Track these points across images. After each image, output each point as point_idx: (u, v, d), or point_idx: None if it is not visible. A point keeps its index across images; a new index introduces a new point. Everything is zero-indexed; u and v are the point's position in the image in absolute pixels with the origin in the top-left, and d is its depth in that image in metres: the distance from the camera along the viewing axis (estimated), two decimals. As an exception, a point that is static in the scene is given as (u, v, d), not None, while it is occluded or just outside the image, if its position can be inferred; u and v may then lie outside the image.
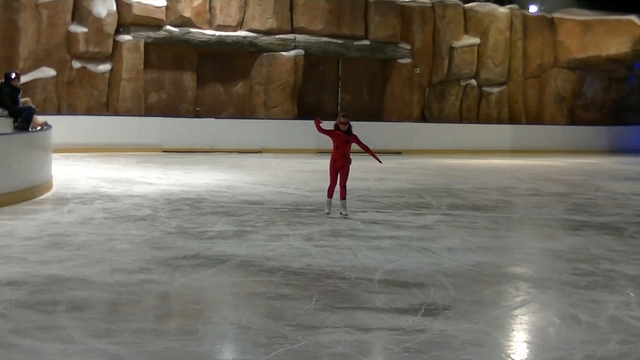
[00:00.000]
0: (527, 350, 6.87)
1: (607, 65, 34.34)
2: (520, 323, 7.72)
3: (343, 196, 13.69)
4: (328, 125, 13.98)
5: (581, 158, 30.86)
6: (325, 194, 13.93)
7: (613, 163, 28.80)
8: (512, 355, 6.67)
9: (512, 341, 7.16)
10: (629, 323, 7.59)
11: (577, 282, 9.34)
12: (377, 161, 13.93)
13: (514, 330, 7.55)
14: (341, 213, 13.67)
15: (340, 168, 13.59)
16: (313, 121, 13.98)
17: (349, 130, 13.55)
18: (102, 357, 6.25)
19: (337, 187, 13.72)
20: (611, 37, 33.06)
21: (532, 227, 14.13)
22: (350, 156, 13.76)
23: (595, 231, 13.17)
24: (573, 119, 35.45)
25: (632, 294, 8.83)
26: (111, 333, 6.85)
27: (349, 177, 13.89)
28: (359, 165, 23.74)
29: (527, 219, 14.93)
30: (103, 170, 20.58)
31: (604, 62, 33.95)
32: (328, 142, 30.21)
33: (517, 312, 8.05)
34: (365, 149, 13.57)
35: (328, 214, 13.74)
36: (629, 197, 18.17)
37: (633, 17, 32.88)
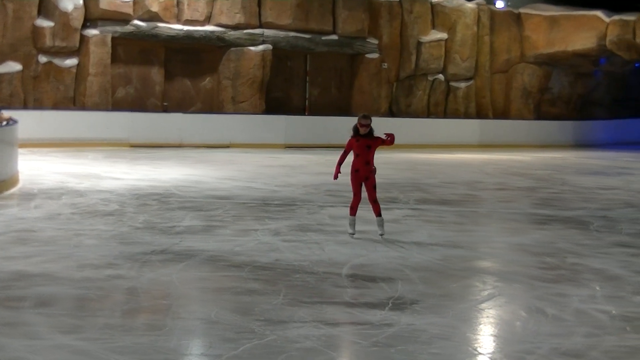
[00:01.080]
0: (494, 344, 6.90)
1: (573, 61, 34.55)
2: (487, 317, 7.76)
3: (377, 212, 11.56)
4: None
5: (547, 152, 31.05)
6: (347, 211, 11.76)
7: (579, 157, 29.00)
8: (479, 349, 6.71)
9: (479, 335, 7.20)
10: (595, 316, 7.65)
11: (543, 276, 9.40)
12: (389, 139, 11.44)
13: (481, 324, 7.59)
14: (379, 234, 11.53)
15: (364, 179, 11.41)
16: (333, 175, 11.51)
17: (370, 134, 11.40)
18: (69, 353, 6.22)
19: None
20: (577, 33, 33.26)
21: (499, 221, 14.20)
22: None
23: (561, 225, 13.26)
24: (539, 114, 35.64)
25: (597, 287, 8.90)
26: (78, 329, 6.82)
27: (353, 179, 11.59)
28: (327, 160, 23.77)
29: (494, 213, 15.00)
30: (70, 166, 20.45)
31: (570, 57, 34.16)
32: (296, 136, 30.13)
33: (484, 305, 8.09)
34: (390, 141, 11.45)
35: (352, 234, 11.49)
36: (594, 191, 18.31)
37: (599, 13, 33.08)
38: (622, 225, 13.34)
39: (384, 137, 11.36)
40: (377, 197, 11.58)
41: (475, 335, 7.17)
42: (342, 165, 11.36)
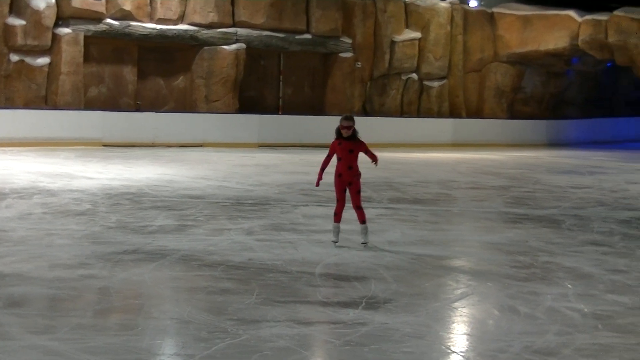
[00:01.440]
0: (467, 342, 6.93)
1: (545, 60, 34.71)
2: (460, 315, 7.79)
3: (362, 219, 10.84)
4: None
5: (520, 152, 31.18)
6: (332, 217, 11.03)
7: (551, 156, 29.14)
8: (452, 347, 6.73)
9: (452, 333, 7.22)
10: (567, 314, 7.69)
11: (516, 275, 9.44)
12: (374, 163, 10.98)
13: (454, 322, 7.61)
14: (362, 242, 10.84)
15: (347, 184, 10.75)
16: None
17: (353, 136, 10.73)
18: (41, 354, 6.19)
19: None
20: (550, 32, 33.43)
21: (472, 220, 14.25)
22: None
23: (534, 224, 13.32)
24: (512, 113, 35.78)
25: (569, 285, 8.95)
26: (50, 329, 6.78)
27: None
28: (300, 159, 23.78)
29: (467, 212, 15.05)
30: (42, 165, 20.34)
31: (542, 56, 34.32)
32: (270, 136, 30.06)
33: (457, 304, 8.11)
34: (371, 157, 10.91)
35: (335, 242, 10.84)
36: (566, 190, 18.40)
37: (571, 12, 33.26)
38: (594, 224, 13.42)
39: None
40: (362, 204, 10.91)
41: (449, 333, 7.19)
42: (325, 171, 10.81)
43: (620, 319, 7.59)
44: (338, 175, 10.75)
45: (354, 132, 10.73)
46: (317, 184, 10.98)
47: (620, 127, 39.23)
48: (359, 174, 10.79)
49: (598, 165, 25.41)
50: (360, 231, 10.86)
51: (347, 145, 10.70)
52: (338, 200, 10.79)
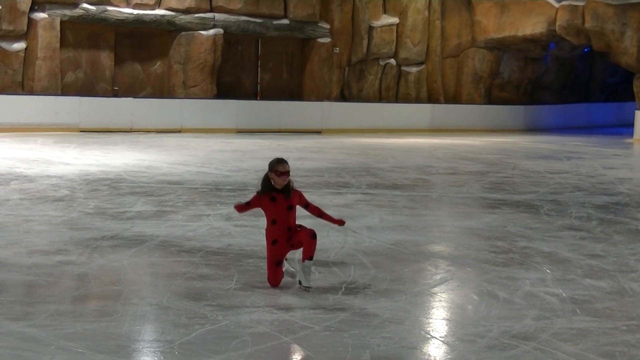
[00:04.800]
0: (446, 327, 6.94)
1: (523, 45, 34.76)
2: (439, 300, 7.80)
3: (310, 254, 7.79)
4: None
5: (498, 137, 31.27)
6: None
7: (529, 142, 29.23)
8: (431, 332, 6.74)
9: (431, 318, 7.23)
10: (545, 299, 7.72)
11: (494, 260, 9.46)
12: (337, 224, 8.32)
13: (433, 307, 7.62)
14: (304, 286, 7.77)
15: (284, 252, 7.93)
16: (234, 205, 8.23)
17: (288, 188, 7.87)
18: (19, 340, 6.15)
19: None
20: (527, 18, 33.46)
21: (450, 205, 14.27)
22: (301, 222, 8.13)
23: (511, 209, 13.36)
24: (490, 99, 35.86)
25: (547, 270, 8.98)
26: (28, 315, 6.75)
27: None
28: (278, 145, 23.74)
29: (445, 198, 15.08)
30: (19, 151, 20.23)
31: (520, 42, 34.35)
32: (248, 121, 29.98)
33: (436, 289, 8.13)
34: (319, 213, 8.11)
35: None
36: (544, 175, 18.46)
37: (548, -2, 33.31)
38: (571, 209, 13.47)
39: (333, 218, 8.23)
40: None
41: (428, 319, 7.21)
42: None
43: (598, 304, 7.63)
44: (272, 242, 7.86)
45: (290, 182, 7.92)
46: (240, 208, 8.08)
47: (596, 113, 39.43)
48: (310, 233, 7.78)
49: (575, 151, 25.51)
50: (301, 269, 7.82)
51: (285, 202, 7.83)
52: (269, 272, 7.94)
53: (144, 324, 6.73)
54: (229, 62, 31.11)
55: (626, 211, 13.57)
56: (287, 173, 7.81)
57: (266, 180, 7.83)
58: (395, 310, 7.21)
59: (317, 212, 8.08)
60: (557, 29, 32.46)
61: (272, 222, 7.84)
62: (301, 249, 7.81)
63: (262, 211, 7.98)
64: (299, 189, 8.03)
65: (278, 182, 7.78)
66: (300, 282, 7.79)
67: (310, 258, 7.74)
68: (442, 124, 33.41)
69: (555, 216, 12.79)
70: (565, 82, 38.63)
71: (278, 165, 7.80)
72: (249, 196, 8.26)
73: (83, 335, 6.29)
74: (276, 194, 7.81)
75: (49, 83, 27.04)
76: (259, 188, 7.91)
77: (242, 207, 8.01)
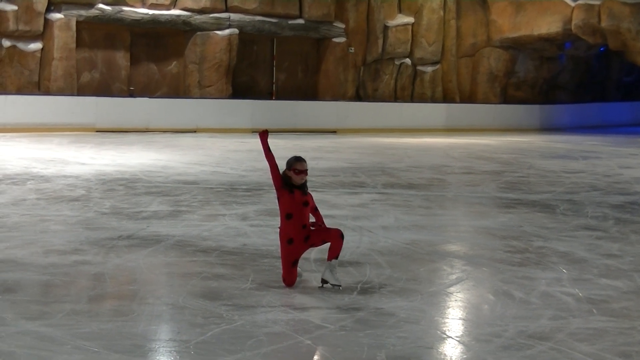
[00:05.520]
0: (462, 327, 6.92)
1: (538, 45, 34.66)
2: (455, 300, 7.78)
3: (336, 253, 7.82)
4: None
5: (513, 136, 31.18)
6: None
7: (544, 141, 29.14)
8: (447, 332, 6.72)
9: (447, 318, 7.21)
10: (561, 299, 7.69)
11: (510, 259, 9.43)
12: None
13: (448, 307, 7.60)
14: (328, 282, 7.83)
15: (300, 252, 7.91)
16: (259, 134, 8.20)
17: (305, 186, 7.94)
18: (35, 339, 6.16)
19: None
20: (542, 17, 33.36)
21: (466, 205, 14.24)
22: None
23: (527, 209, 13.32)
24: (505, 98, 35.76)
25: (563, 270, 8.95)
26: (44, 315, 6.76)
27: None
28: (294, 144, 23.74)
29: (460, 197, 15.04)
30: (35, 151, 20.29)
31: (535, 41, 34.25)
32: (263, 121, 30.01)
33: (451, 289, 8.11)
34: (319, 222, 8.03)
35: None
36: (560, 174, 18.40)
37: (564, -3, 33.22)
38: (587, 209, 13.42)
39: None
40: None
41: (444, 318, 7.19)
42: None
43: (615, 304, 7.59)
44: (287, 240, 7.83)
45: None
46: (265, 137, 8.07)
47: (611, 112, 39.25)
48: (327, 232, 7.90)
49: (591, 150, 25.42)
50: (327, 268, 7.83)
51: (301, 197, 7.85)
52: (284, 270, 7.94)
53: (159, 323, 6.74)
54: (244, 62, 31.13)
55: (643, 211, 13.52)
56: (306, 171, 7.85)
57: (284, 178, 7.87)
58: (411, 310, 7.19)
59: (320, 221, 8.04)
60: (572, 28, 32.37)
61: (286, 217, 7.81)
62: (315, 249, 7.81)
63: (277, 207, 7.98)
64: (311, 194, 8.03)
65: (296, 180, 7.82)
66: (324, 282, 7.82)
67: (337, 257, 7.79)
68: (457, 123, 33.34)
69: (571, 216, 12.74)
70: (581, 81, 38.49)
71: (296, 164, 7.83)
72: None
73: (99, 334, 6.30)
74: (295, 189, 7.83)
75: (65, 83, 27.12)
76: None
77: (267, 146, 7.98)
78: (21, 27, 26.41)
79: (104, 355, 5.86)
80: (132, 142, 23.66)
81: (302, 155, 8.14)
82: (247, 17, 30.20)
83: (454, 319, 7.19)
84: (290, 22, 31.14)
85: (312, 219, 7.97)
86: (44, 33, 26.95)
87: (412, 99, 34.15)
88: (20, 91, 26.54)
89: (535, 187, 16.10)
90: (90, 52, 28.48)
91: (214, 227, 10.89)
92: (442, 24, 34.45)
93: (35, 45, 26.90)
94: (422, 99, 34.16)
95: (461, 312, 7.46)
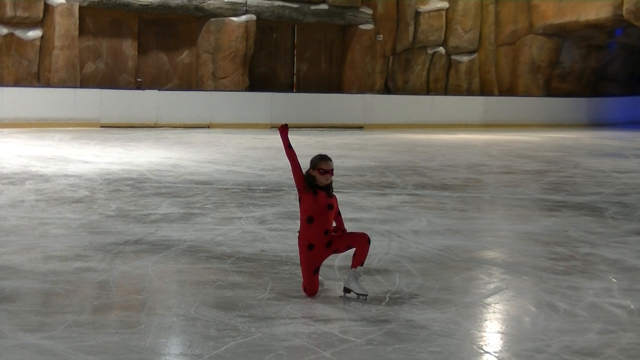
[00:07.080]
0: (501, 342, 6.92)
1: (585, 32, 34.57)
2: (493, 312, 7.78)
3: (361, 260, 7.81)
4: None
5: (558, 132, 31.10)
6: None
7: (592, 138, 29.05)
8: (484, 347, 6.72)
9: (484, 332, 7.21)
10: (610, 311, 7.67)
11: (554, 268, 9.42)
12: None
13: (486, 320, 7.60)
14: (352, 291, 7.82)
15: (322, 258, 7.86)
16: (279, 129, 8.02)
17: (330, 187, 7.85)
18: (35, 353, 6.21)
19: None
20: (590, 1, 33.28)
21: (505, 207, 14.22)
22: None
23: (573, 212, 13.29)
24: (549, 90, 35.70)
25: (613, 279, 8.93)
26: (45, 327, 6.80)
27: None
28: (316, 141, 23.78)
29: (499, 199, 15.03)
30: (34, 148, 20.41)
31: (582, 28, 34.18)
32: (283, 116, 30.05)
33: (489, 300, 8.10)
34: (340, 227, 8.03)
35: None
36: (609, 174, 18.35)
37: (614, -21, 33.12)
38: (639, 212, 13.38)
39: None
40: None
41: (480, 332, 7.19)
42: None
43: (669, 316, 7.57)
44: (308, 246, 7.78)
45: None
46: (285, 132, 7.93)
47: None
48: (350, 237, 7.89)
49: (643, 148, 25.34)
50: (352, 276, 7.82)
51: (326, 199, 7.75)
52: (305, 278, 7.90)
53: (170, 336, 6.77)
54: (262, 51, 31.20)
55: (700, 214, 13.47)
56: (331, 171, 7.75)
57: (308, 178, 7.78)
58: (444, 322, 7.19)
59: (341, 225, 8.01)
60: (624, 13, 32.25)
61: (307, 220, 7.74)
62: (339, 255, 7.81)
63: (298, 210, 7.99)
64: (336, 196, 7.95)
65: (321, 180, 7.73)
66: (347, 291, 7.81)
67: (362, 264, 7.77)
68: (496, 118, 33.29)
69: (621, 220, 12.71)
70: (633, 72, 38.35)
71: (321, 163, 7.74)
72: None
73: (104, 348, 6.33)
74: (319, 190, 7.74)
75: (67, 74, 27.27)
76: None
77: (287, 142, 7.84)
78: (19, 12, 26.58)
79: (109, 371, 5.90)
80: (139, 138, 23.76)
81: (326, 153, 8.14)
82: (266, 2, 30.28)
83: (491, 333, 7.19)
84: (312, 7, 31.20)
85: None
86: (44, 19, 27.10)
87: (446, 91, 34.15)
88: (18, 83, 26.72)
89: (581, 188, 16.06)
90: (94, 40, 28.63)
91: (229, 232, 10.92)
92: (479, 9, 34.43)
93: (35, 33, 27.06)
94: (457, 92, 34.15)
95: (499, 325, 7.46)
